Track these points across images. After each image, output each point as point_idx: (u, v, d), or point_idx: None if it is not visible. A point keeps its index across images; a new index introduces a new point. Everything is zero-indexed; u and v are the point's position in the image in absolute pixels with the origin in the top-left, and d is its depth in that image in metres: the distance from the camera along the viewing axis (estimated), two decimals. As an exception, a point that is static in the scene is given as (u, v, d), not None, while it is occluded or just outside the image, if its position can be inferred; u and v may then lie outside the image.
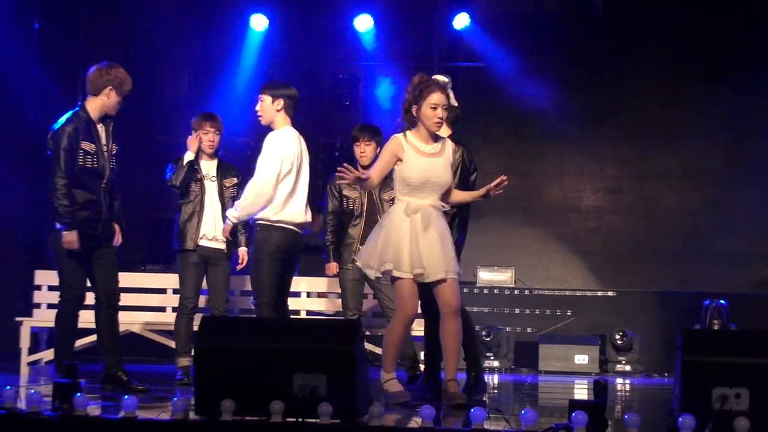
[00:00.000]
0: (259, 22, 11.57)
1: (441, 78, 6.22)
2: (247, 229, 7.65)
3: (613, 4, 11.71)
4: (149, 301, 8.94)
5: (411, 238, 5.95)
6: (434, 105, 6.00)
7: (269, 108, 6.62)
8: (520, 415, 4.62)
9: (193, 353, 7.70)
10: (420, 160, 6.02)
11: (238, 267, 7.79)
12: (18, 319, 8.44)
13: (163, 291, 8.90)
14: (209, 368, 4.91)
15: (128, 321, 8.37)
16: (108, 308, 6.69)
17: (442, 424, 5.04)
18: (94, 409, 4.77)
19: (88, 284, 6.72)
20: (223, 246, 7.67)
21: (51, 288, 8.69)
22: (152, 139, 11.55)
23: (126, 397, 4.68)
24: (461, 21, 11.62)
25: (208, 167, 7.81)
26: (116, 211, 6.78)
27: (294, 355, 4.83)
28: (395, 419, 5.29)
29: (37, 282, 8.78)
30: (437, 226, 6.02)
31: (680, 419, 4.43)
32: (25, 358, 8.27)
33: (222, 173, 7.81)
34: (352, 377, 4.80)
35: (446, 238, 6.05)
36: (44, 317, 8.55)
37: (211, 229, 7.65)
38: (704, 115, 11.60)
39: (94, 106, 6.59)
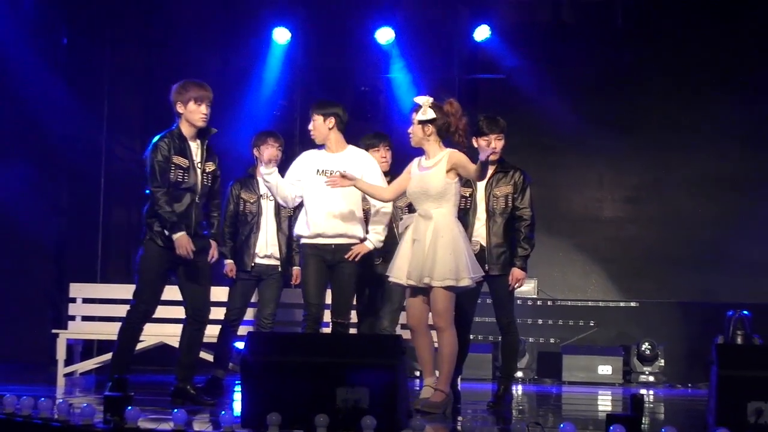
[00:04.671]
0: (281, 35, 11.60)
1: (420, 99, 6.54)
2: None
3: (633, 14, 11.73)
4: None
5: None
6: None
7: (321, 127, 7.10)
8: (559, 428, 4.71)
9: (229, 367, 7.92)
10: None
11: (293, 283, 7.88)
12: (54, 331, 8.53)
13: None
14: (255, 382, 5.03)
15: (160, 333, 8.43)
16: (193, 323, 6.69)
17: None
18: (145, 422, 4.88)
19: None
20: (277, 262, 7.73)
21: (86, 300, 8.83)
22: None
23: (176, 410, 4.79)
24: (482, 33, 11.64)
25: None
26: (214, 229, 6.80)
27: (337, 369, 4.95)
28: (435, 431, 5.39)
29: (72, 294, 8.86)
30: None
31: (716, 432, 4.52)
32: (62, 370, 8.37)
33: None
34: (394, 391, 4.91)
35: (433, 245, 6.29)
36: (80, 329, 8.69)
37: (263, 248, 7.68)
38: (725, 124, 11.53)
39: (183, 123, 6.69)
